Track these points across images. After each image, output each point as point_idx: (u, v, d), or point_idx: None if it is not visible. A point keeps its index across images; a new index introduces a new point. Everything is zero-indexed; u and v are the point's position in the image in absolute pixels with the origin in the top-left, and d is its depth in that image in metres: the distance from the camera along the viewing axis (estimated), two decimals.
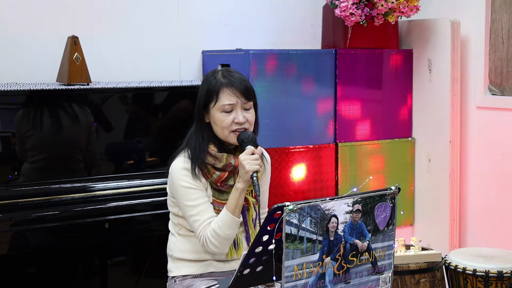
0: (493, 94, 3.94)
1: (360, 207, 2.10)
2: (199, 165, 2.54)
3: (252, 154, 2.47)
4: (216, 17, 3.99)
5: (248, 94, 2.56)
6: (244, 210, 2.59)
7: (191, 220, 2.53)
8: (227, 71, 2.59)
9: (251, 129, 2.59)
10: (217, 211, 2.54)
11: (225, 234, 2.47)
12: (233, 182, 2.56)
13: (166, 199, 2.69)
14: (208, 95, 2.56)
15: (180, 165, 2.55)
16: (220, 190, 2.59)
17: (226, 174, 2.56)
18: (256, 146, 2.52)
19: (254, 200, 2.62)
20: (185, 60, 3.90)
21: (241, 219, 2.53)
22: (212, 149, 2.57)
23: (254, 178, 2.44)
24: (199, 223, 2.51)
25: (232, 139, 2.55)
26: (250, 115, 2.57)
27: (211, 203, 2.56)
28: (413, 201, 4.20)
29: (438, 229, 4.06)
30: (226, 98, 2.53)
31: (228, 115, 2.54)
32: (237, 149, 2.62)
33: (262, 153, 2.69)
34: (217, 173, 2.56)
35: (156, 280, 3.33)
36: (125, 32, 3.72)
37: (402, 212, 4.11)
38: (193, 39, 3.92)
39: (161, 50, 3.82)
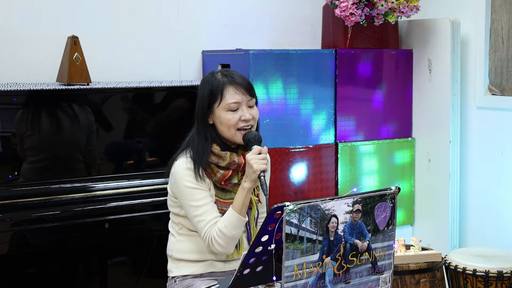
0: (493, 94, 3.94)
1: (360, 207, 2.10)
2: (203, 166, 2.54)
3: (259, 153, 2.47)
4: (216, 17, 3.99)
5: (251, 90, 2.57)
6: (247, 209, 2.59)
7: (196, 221, 2.52)
8: (226, 71, 2.59)
9: (255, 126, 2.59)
10: (220, 210, 2.54)
11: (232, 234, 2.47)
12: (236, 180, 2.57)
13: (166, 199, 2.69)
14: (211, 95, 2.55)
15: (184, 165, 2.54)
16: (223, 189, 2.58)
17: (230, 172, 2.56)
18: (261, 146, 2.52)
19: (256, 199, 2.62)
20: (185, 60, 3.90)
21: (247, 218, 2.53)
22: (215, 148, 2.56)
23: (262, 178, 2.44)
24: (204, 223, 2.50)
25: (238, 137, 2.55)
26: (255, 111, 2.57)
27: (214, 202, 2.56)
28: (413, 201, 4.20)
29: (438, 229, 4.06)
30: (231, 96, 2.53)
31: (234, 113, 2.53)
32: (239, 148, 2.61)
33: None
34: (221, 171, 2.55)
35: (156, 280, 3.33)
36: (125, 32, 3.72)
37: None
38: (193, 39, 3.92)
39: (161, 50, 3.82)
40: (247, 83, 2.56)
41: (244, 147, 2.56)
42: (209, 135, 2.56)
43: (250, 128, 2.55)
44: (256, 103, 2.62)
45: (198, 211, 2.51)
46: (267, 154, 2.75)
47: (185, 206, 2.55)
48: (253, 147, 2.49)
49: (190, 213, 2.53)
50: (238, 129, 2.54)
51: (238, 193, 2.50)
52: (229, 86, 2.53)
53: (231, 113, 2.53)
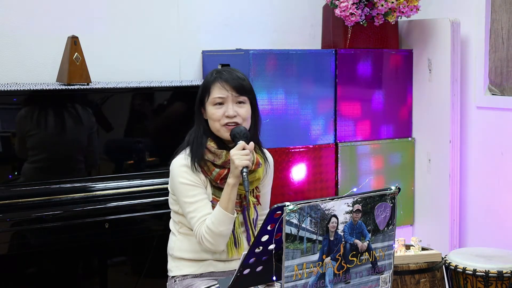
0: (493, 94, 3.94)
1: (360, 207, 2.10)
2: (198, 160, 2.55)
3: (243, 149, 2.48)
4: (216, 17, 3.99)
5: (241, 89, 2.58)
6: (245, 210, 2.60)
7: (189, 217, 2.54)
8: (226, 69, 2.63)
9: (245, 125, 2.59)
10: None
11: (219, 231, 2.48)
12: None
13: (166, 199, 2.70)
14: (203, 90, 2.62)
15: (180, 162, 2.56)
16: (220, 188, 2.59)
17: (226, 171, 2.57)
18: (248, 141, 2.52)
19: (255, 200, 2.63)
20: (185, 60, 3.90)
21: (235, 215, 2.53)
22: (212, 146, 2.58)
23: (244, 174, 2.45)
24: (196, 219, 2.52)
25: (224, 133, 2.57)
26: (244, 110, 2.58)
27: (211, 201, 2.57)
28: (413, 201, 4.20)
29: (438, 229, 4.06)
30: (217, 91, 2.58)
31: (219, 108, 2.57)
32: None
33: (263, 153, 2.71)
34: (217, 170, 2.56)
35: (156, 280, 3.33)
36: (125, 32, 3.72)
37: (401, 212, 4.12)
38: (193, 39, 3.92)
39: (161, 50, 3.82)
40: (237, 82, 2.58)
41: None
42: (204, 130, 2.61)
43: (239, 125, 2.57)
44: (253, 103, 2.62)
45: (191, 207, 2.53)
46: (270, 157, 2.76)
47: (180, 202, 2.57)
48: (238, 142, 2.50)
49: (185, 210, 2.55)
50: (225, 125, 2.56)
51: (224, 189, 2.51)
52: (217, 82, 2.59)
53: (216, 107, 2.57)
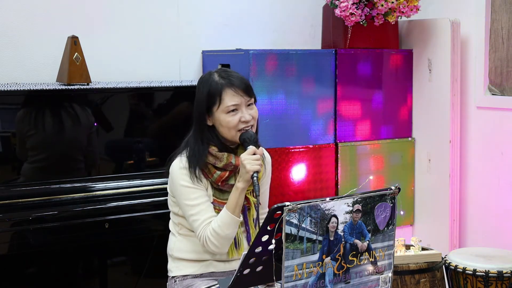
0: (493, 94, 3.94)
1: (360, 207, 2.10)
2: (199, 168, 2.54)
3: (254, 154, 2.47)
4: (216, 17, 3.99)
5: (249, 91, 2.56)
6: (245, 210, 2.60)
7: (191, 220, 2.53)
8: (223, 71, 2.59)
9: (256, 125, 2.59)
10: (218, 210, 2.54)
11: (225, 234, 2.48)
12: (234, 182, 2.56)
13: (166, 199, 2.69)
14: (210, 98, 2.54)
15: (180, 164, 2.55)
16: (220, 190, 2.59)
17: (227, 173, 2.56)
18: (257, 146, 2.52)
19: (255, 200, 2.62)
20: (185, 60, 3.90)
21: (241, 218, 2.53)
22: (213, 148, 2.56)
23: (255, 178, 2.44)
24: (199, 222, 2.51)
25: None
26: (254, 111, 2.58)
27: (212, 202, 2.56)
28: (413, 201, 4.20)
29: (438, 229, 4.06)
30: (230, 99, 2.53)
31: (234, 115, 2.53)
32: (238, 148, 2.62)
33: (263, 154, 2.70)
34: (218, 172, 2.56)
35: (156, 280, 3.33)
36: (125, 32, 3.72)
37: (402, 213, 4.12)
38: (193, 39, 3.92)
39: (161, 50, 3.82)
40: (245, 84, 2.56)
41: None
42: (206, 137, 2.56)
43: (250, 128, 2.56)
44: (255, 101, 2.62)
45: (193, 210, 2.52)
46: (268, 155, 2.75)
47: (181, 205, 2.55)
48: (248, 147, 2.49)
49: (186, 212, 2.54)
50: (239, 130, 2.54)
51: (232, 193, 2.50)
52: (227, 89, 2.53)
53: (231, 115, 2.53)
